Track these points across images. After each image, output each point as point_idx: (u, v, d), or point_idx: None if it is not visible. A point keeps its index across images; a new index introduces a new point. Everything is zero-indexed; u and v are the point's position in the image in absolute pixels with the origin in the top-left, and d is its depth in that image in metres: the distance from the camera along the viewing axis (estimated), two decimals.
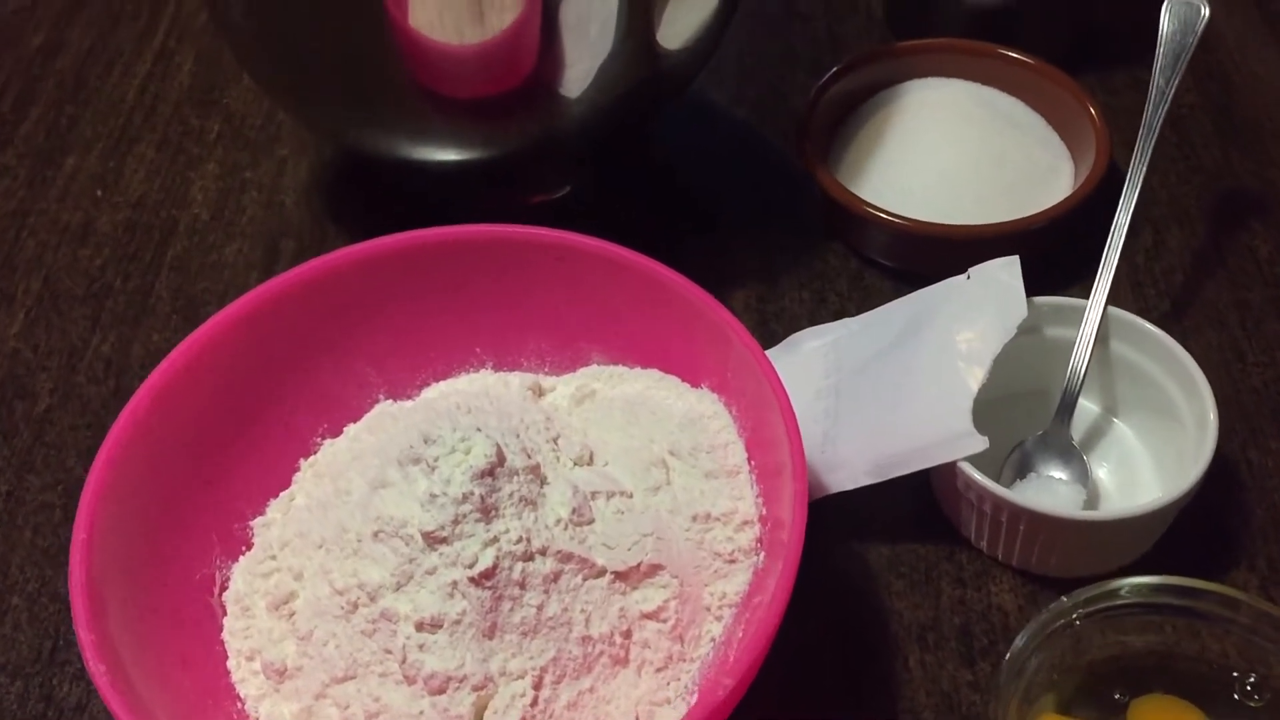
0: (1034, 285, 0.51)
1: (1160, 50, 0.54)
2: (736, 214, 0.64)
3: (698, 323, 0.47)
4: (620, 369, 0.51)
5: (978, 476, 0.46)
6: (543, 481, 0.45)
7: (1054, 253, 0.58)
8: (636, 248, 0.61)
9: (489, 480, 0.43)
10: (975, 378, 0.48)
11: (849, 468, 0.49)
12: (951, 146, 0.61)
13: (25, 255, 0.63)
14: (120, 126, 0.70)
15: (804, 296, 0.60)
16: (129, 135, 0.69)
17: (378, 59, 0.53)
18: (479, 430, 0.44)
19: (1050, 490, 0.50)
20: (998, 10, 0.67)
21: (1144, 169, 0.53)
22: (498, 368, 0.52)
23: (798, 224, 0.63)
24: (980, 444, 0.46)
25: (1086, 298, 0.58)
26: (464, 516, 0.42)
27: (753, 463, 0.46)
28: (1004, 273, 0.51)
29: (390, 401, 0.51)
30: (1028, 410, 0.52)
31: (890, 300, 0.59)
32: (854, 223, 0.60)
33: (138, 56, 0.74)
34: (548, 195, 0.64)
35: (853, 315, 0.59)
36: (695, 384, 0.49)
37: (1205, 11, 0.54)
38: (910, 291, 0.59)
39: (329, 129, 0.61)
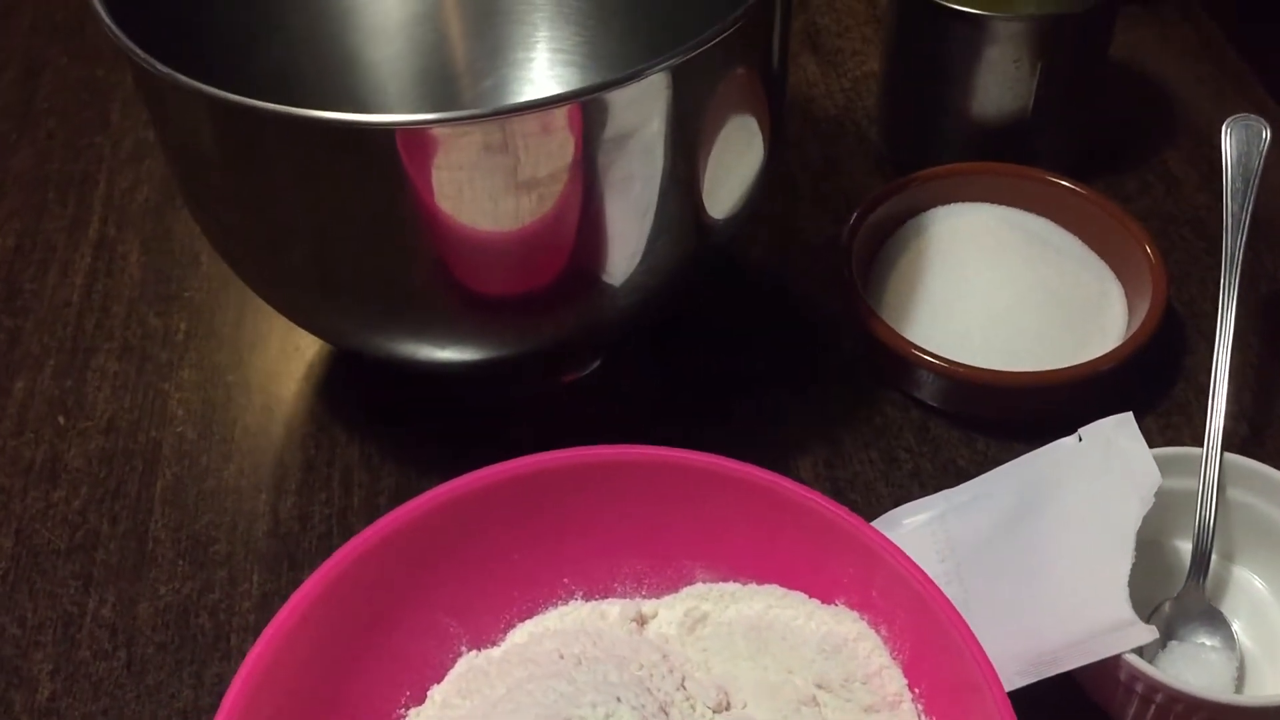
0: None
1: (1228, 175, 0.52)
2: (778, 368, 0.60)
3: (828, 538, 0.43)
4: (732, 586, 0.46)
5: (1148, 669, 0.43)
6: None
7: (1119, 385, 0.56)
8: (681, 420, 0.57)
9: None
10: (1123, 560, 0.44)
11: (997, 668, 0.45)
12: (999, 279, 0.58)
13: None
14: (70, 337, 0.62)
15: (873, 456, 0.56)
16: (83, 346, 0.61)
17: (395, 251, 0.47)
18: (619, 700, 0.39)
19: (1201, 660, 0.46)
20: (1004, 129, 0.64)
21: (1234, 304, 0.51)
22: (589, 596, 0.47)
23: (845, 372, 0.59)
24: (1148, 634, 0.43)
25: (1159, 428, 0.57)
26: None
27: (916, 690, 0.42)
28: (1121, 435, 0.48)
29: (475, 653, 0.45)
30: (1141, 564, 0.49)
31: (963, 451, 0.56)
32: (912, 372, 0.57)
33: (74, 250, 0.66)
34: (577, 373, 0.59)
35: (929, 472, 0.55)
36: (827, 600, 0.44)
37: (1266, 134, 0.52)
38: (981, 440, 0.57)
39: (331, 331, 0.55)
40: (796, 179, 0.69)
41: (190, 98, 0.43)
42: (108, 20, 0.44)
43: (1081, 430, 0.49)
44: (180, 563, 0.53)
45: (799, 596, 0.45)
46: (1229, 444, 0.55)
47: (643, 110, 0.45)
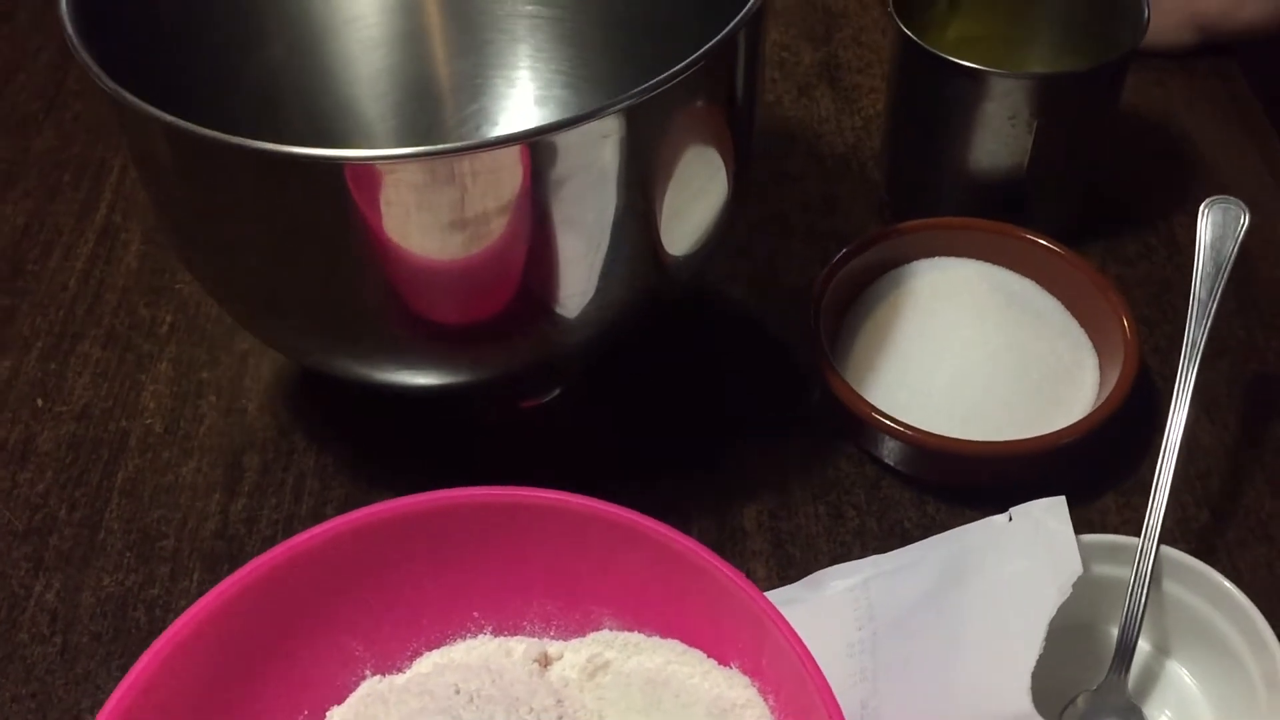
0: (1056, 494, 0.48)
1: (1200, 259, 0.51)
2: (741, 410, 0.60)
3: (727, 601, 0.43)
4: (637, 637, 0.46)
5: None
6: None
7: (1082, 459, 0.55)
8: (636, 455, 0.57)
9: None
10: (1030, 649, 0.43)
11: None
12: (971, 339, 0.57)
13: None
14: (61, 320, 0.64)
15: (819, 511, 0.56)
16: (71, 331, 0.63)
17: (344, 277, 0.47)
18: None
19: None
20: (1000, 185, 0.63)
21: (1189, 394, 0.49)
22: (498, 632, 0.47)
23: (806, 421, 0.59)
24: None
25: (1116, 508, 0.55)
26: None
27: None
28: (1051, 518, 0.47)
29: (379, 678, 0.46)
30: (1068, 649, 0.48)
31: (911, 513, 0.56)
32: (869, 432, 0.56)
33: (79, 235, 0.68)
34: (537, 400, 0.59)
35: (873, 531, 0.55)
36: (724, 661, 0.44)
37: (1245, 219, 0.50)
38: (933, 504, 0.56)
39: (285, 348, 0.56)
40: (790, 216, 0.68)
41: (141, 120, 0.44)
42: (70, 32, 0.45)
43: (1012, 509, 0.48)
44: (127, 555, 0.54)
45: (698, 655, 0.44)
46: (1187, 529, 0.54)
47: (594, 151, 0.45)
